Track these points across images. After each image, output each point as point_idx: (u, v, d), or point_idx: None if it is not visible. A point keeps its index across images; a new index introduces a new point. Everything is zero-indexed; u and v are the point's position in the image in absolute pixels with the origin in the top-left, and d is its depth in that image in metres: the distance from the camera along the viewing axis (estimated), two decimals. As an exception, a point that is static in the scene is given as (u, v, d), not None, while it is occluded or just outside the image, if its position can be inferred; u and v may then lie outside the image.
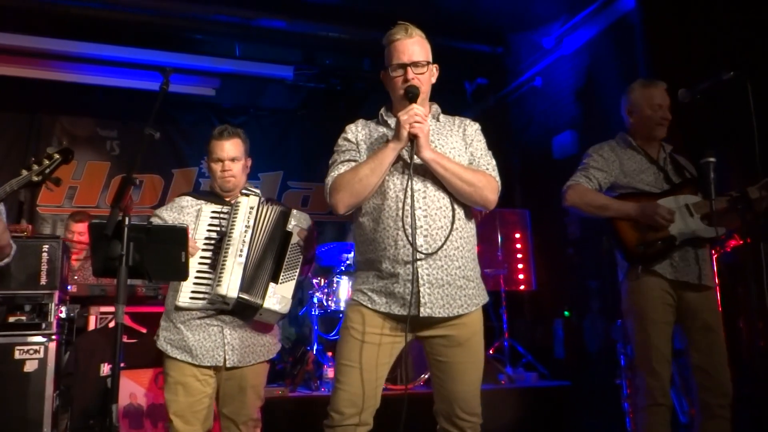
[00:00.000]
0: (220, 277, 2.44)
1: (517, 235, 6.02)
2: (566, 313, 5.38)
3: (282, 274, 2.52)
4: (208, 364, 2.49)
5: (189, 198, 2.71)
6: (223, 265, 2.46)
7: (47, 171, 2.40)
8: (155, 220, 2.60)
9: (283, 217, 2.58)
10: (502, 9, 5.62)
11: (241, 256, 2.47)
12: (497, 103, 6.64)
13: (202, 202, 2.67)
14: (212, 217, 2.59)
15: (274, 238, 2.55)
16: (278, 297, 2.49)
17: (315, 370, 4.58)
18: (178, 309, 2.53)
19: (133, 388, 3.46)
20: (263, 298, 2.46)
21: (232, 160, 2.64)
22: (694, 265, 2.78)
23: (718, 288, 2.86)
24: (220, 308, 2.50)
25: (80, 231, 4.56)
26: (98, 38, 5.89)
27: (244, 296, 2.43)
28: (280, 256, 2.53)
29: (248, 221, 2.52)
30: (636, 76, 4.46)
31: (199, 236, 2.57)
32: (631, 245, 2.85)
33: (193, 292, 2.48)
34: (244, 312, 2.50)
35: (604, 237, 3.18)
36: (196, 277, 2.49)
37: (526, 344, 5.35)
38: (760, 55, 3.51)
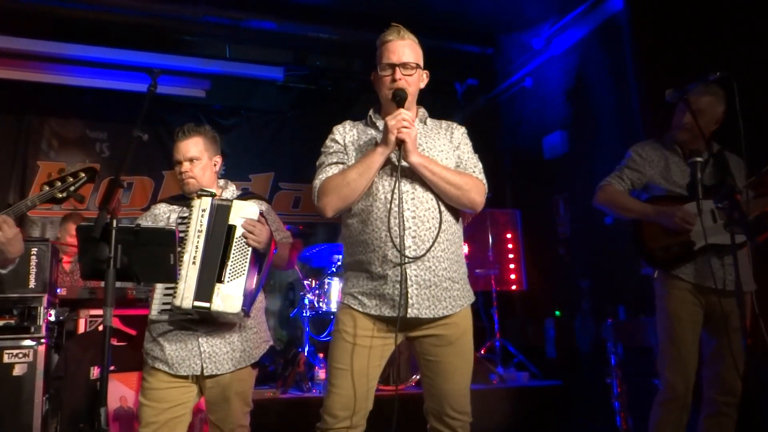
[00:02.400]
0: (176, 287, 2.35)
1: (508, 236, 6.04)
2: (557, 312, 5.40)
3: (227, 272, 2.37)
4: (185, 374, 2.43)
5: (163, 205, 2.68)
6: (179, 274, 2.33)
7: (72, 189, 2.39)
8: None
9: (224, 212, 2.44)
10: (491, 10, 5.64)
11: (194, 263, 2.36)
12: (488, 103, 6.66)
13: (174, 207, 2.62)
14: (179, 224, 2.51)
15: (217, 236, 2.41)
16: (222, 297, 2.34)
17: (306, 372, 4.57)
18: (151, 321, 2.49)
19: (123, 391, 3.45)
20: (210, 301, 2.34)
21: (191, 160, 2.56)
22: (718, 270, 2.74)
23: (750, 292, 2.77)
24: (185, 318, 2.43)
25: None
26: (87, 40, 5.87)
27: (198, 303, 2.33)
28: (224, 254, 2.39)
29: (200, 225, 2.41)
30: (624, 76, 4.51)
31: None
32: (650, 248, 2.87)
33: (163, 304, 2.42)
34: (208, 317, 2.42)
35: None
36: (166, 288, 2.42)
37: (518, 344, 5.37)
38: (747, 56, 3.54)
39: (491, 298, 5.41)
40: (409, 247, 2.08)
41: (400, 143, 2.07)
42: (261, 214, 2.49)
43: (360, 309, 2.14)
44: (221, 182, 2.73)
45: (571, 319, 5.12)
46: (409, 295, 2.07)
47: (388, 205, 2.09)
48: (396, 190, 2.09)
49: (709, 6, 3.86)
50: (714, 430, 2.75)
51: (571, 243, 5.27)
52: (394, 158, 2.12)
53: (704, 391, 2.79)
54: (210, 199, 2.47)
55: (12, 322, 3.17)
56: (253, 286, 2.48)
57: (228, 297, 2.35)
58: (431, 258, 2.11)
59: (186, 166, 2.57)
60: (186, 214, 2.49)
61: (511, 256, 6.00)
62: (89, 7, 5.23)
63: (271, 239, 2.52)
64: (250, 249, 2.42)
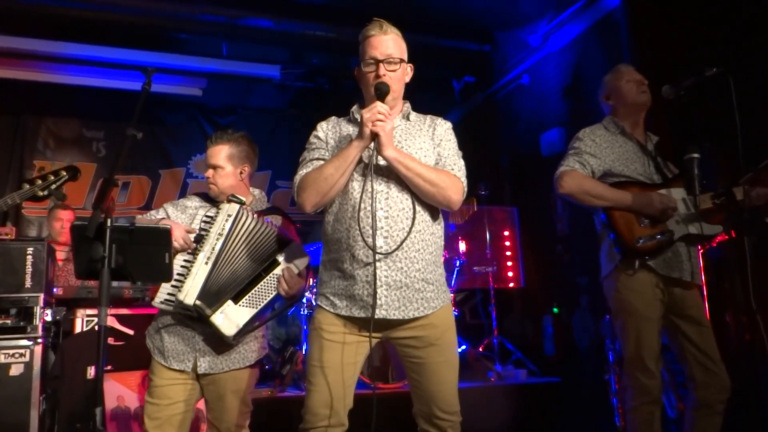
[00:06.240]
0: (183, 282, 2.37)
1: (506, 233, 6.04)
2: (555, 309, 5.40)
3: (246, 297, 2.40)
4: (177, 368, 2.44)
5: (196, 199, 2.70)
6: (189, 270, 2.39)
7: (53, 187, 2.40)
8: (161, 211, 2.61)
9: (277, 244, 2.48)
10: (488, 7, 5.64)
11: (207, 263, 2.38)
12: (485, 100, 6.65)
13: (205, 205, 2.65)
14: (203, 221, 2.54)
15: (254, 258, 2.44)
16: (226, 315, 2.35)
17: (304, 370, 4.56)
18: (161, 312, 2.51)
19: (120, 391, 3.44)
20: (213, 310, 2.35)
21: (214, 167, 2.59)
22: (686, 261, 2.72)
23: (704, 284, 2.82)
24: (186, 313, 2.44)
25: (68, 218, 4.55)
26: (83, 39, 5.86)
27: (200, 303, 2.34)
28: (254, 279, 2.43)
29: (223, 229, 2.42)
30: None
31: None
32: (628, 238, 2.73)
33: (168, 294, 2.43)
34: (205, 319, 2.41)
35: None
36: (175, 279, 2.42)
37: (516, 341, 5.36)
38: (743, 52, 3.54)
39: (489, 295, 5.41)
40: (381, 247, 2.05)
41: (375, 136, 2.04)
42: (307, 266, 2.53)
43: (331, 310, 2.12)
44: (256, 192, 2.74)
45: (569, 316, 5.13)
46: (378, 296, 2.04)
47: (361, 203, 2.07)
48: (367, 187, 2.06)
49: (705, 2, 3.86)
50: (708, 429, 2.70)
51: (569, 240, 5.27)
52: (368, 153, 2.08)
53: (696, 393, 2.70)
54: (237, 206, 2.48)
55: (8, 322, 3.16)
56: (256, 322, 2.48)
57: (230, 318, 2.36)
58: (403, 259, 2.07)
59: (210, 172, 2.60)
60: (212, 214, 2.52)
61: (508, 253, 6.00)
62: (85, 6, 5.22)
63: (301, 294, 2.53)
64: (275, 291, 2.45)
